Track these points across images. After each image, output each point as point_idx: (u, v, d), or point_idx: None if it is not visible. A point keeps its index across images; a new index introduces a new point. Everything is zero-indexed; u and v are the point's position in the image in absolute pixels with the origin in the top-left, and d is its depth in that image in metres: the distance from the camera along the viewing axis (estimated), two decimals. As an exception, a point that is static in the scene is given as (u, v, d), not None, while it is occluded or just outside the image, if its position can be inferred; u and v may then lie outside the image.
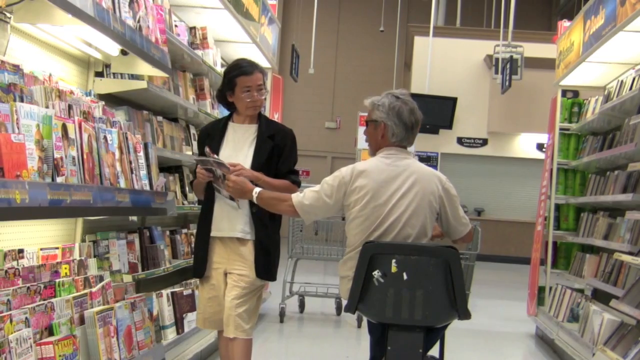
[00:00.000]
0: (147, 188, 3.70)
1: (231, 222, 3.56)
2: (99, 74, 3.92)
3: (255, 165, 3.54)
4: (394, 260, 3.13)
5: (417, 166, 3.34)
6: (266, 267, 3.58)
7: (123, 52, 3.72)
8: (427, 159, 15.48)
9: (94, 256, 3.63)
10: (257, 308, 3.64)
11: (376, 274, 3.15)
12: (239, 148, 3.61)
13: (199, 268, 3.63)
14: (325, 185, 3.30)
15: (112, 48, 3.66)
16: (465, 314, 3.21)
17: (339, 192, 3.27)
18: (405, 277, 3.13)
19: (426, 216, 3.27)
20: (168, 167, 4.75)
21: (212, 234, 3.59)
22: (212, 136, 3.65)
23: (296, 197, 3.33)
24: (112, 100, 3.94)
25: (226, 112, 3.82)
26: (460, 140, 16.20)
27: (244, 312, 3.52)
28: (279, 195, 3.41)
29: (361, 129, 11.37)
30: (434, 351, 3.49)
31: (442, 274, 3.15)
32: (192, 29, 5.32)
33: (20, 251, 3.04)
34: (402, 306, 3.14)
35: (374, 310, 3.23)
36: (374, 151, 3.42)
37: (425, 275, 3.15)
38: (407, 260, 3.14)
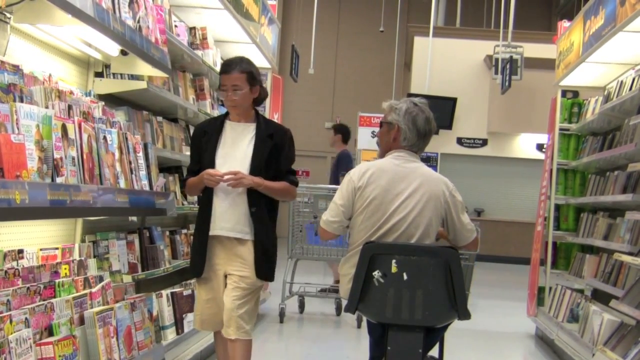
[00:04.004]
0: (147, 188, 3.70)
1: (231, 221, 3.55)
2: (99, 74, 3.92)
3: (254, 164, 3.54)
4: (394, 261, 3.16)
5: (424, 170, 3.40)
6: (266, 268, 3.60)
7: (123, 53, 3.72)
8: (427, 159, 15.45)
9: (94, 256, 3.63)
10: (256, 308, 3.65)
11: (376, 274, 3.18)
12: (236, 146, 3.59)
13: (198, 267, 3.62)
14: (337, 194, 3.39)
15: (112, 48, 3.66)
16: (465, 314, 3.24)
17: (349, 194, 3.34)
18: (405, 277, 3.16)
19: (431, 218, 3.32)
20: (168, 168, 4.75)
21: (211, 233, 3.57)
22: (209, 134, 3.63)
23: (321, 221, 3.44)
24: (112, 100, 3.94)
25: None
26: (460, 141, 16.19)
27: (244, 313, 3.52)
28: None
29: (361, 129, 11.35)
30: (434, 352, 3.50)
31: (442, 274, 3.18)
32: (192, 29, 5.32)
33: (20, 251, 3.04)
34: (402, 306, 3.17)
35: (374, 310, 3.26)
36: (383, 153, 3.48)
37: (425, 275, 3.18)
38: (407, 260, 3.17)
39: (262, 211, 3.55)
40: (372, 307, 3.25)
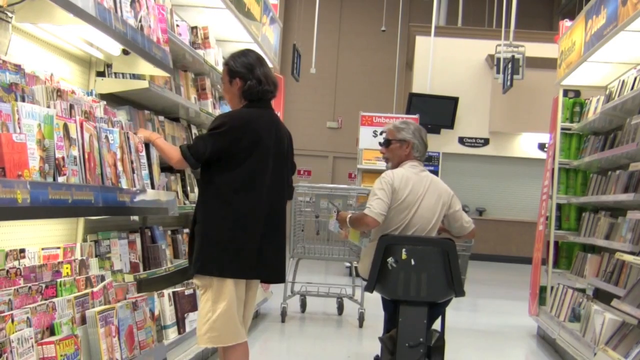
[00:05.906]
0: (149, 188, 3.70)
1: None
2: (101, 74, 3.92)
3: None
4: (404, 249, 3.95)
5: (431, 176, 4.25)
6: (191, 260, 3.37)
7: (124, 52, 3.72)
8: (429, 159, 15.45)
9: (96, 256, 3.63)
10: (211, 311, 3.32)
11: (390, 260, 3.94)
12: None
13: None
14: (381, 192, 4.07)
15: (114, 48, 3.66)
16: (460, 292, 4.01)
17: (390, 195, 4.08)
18: (413, 262, 3.94)
19: (437, 217, 4.18)
20: (169, 167, 4.74)
21: None
22: None
23: (369, 212, 4.02)
24: (114, 100, 3.94)
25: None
26: (461, 140, 16.19)
27: (199, 317, 3.41)
28: (358, 216, 4.13)
29: (363, 129, 11.31)
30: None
31: (442, 260, 3.98)
32: (193, 29, 5.32)
33: (22, 251, 3.05)
34: (411, 286, 3.97)
35: (388, 289, 4.06)
36: (396, 165, 4.26)
37: (428, 261, 3.98)
38: (414, 249, 3.97)
39: (204, 200, 3.37)
40: (386, 287, 4.04)
